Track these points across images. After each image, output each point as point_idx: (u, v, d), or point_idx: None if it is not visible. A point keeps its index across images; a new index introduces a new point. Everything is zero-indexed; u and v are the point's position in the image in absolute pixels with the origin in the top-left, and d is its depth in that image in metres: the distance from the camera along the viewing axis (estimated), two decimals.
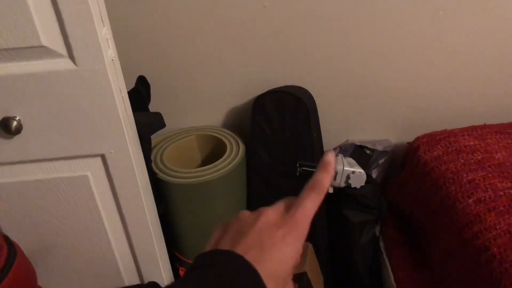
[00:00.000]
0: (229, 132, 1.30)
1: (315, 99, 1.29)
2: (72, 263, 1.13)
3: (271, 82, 1.27)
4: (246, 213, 0.44)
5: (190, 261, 1.31)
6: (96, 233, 1.09)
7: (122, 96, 0.94)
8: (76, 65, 0.85)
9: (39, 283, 1.02)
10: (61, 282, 1.18)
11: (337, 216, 1.20)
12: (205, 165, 1.18)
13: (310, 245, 1.19)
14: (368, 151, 1.35)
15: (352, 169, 1.14)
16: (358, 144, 1.36)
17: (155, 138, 1.29)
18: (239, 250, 0.37)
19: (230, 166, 1.18)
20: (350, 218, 1.18)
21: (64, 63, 0.85)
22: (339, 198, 1.19)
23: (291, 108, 1.19)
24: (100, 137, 0.94)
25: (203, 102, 1.32)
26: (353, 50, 1.25)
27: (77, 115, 0.90)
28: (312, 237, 1.21)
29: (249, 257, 0.37)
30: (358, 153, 1.34)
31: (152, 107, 1.25)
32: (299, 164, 1.18)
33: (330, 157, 0.44)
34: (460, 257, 0.95)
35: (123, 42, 1.21)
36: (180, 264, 1.35)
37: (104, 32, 0.86)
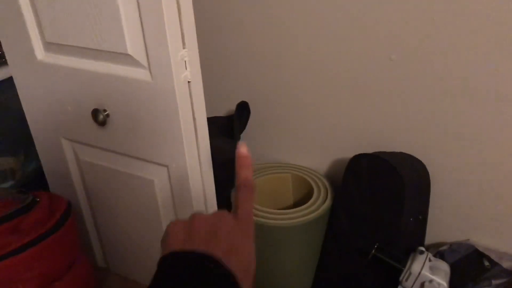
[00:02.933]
0: (322, 179, 1.19)
1: (432, 176, 1.07)
2: (130, 248, 1.21)
3: (384, 144, 1.10)
4: (202, 215, 0.44)
5: None
6: (155, 235, 1.14)
7: (195, 118, 0.95)
8: (152, 78, 0.90)
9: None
10: (117, 262, 1.27)
11: None
12: (295, 206, 1.11)
13: None
14: (487, 263, 1.05)
15: (431, 277, 0.91)
16: (480, 249, 1.08)
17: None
18: (217, 252, 0.39)
19: (308, 217, 1.08)
20: None
21: (143, 74, 0.91)
22: None
23: (384, 177, 1.01)
24: (165, 149, 0.97)
25: (306, 143, 1.24)
26: (496, 126, 0.99)
27: (150, 123, 0.96)
28: None
29: (227, 260, 0.39)
30: (473, 261, 1.06)
31: (252, 134, 1.23)
32: (376, 247, 1.00)
33: (242, 149, 0.46)
34: None
35: (234, 64, 1.23)
36: None
37: (182, 54, 0.88)
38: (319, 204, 1.12)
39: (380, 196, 1.03)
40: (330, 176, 1.23)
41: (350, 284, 1.10)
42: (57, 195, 1.09)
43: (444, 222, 1.12)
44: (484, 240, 1.11)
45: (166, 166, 1.00)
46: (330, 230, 1.13)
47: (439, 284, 0.90)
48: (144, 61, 0.90)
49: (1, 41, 1.07)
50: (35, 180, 1.35)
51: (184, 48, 0.88)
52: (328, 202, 1.12)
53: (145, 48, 0.88)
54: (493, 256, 1.06)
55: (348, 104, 1.13)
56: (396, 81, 1.04)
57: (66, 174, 1.18)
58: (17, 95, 1.18)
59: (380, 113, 1.10)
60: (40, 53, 1.03)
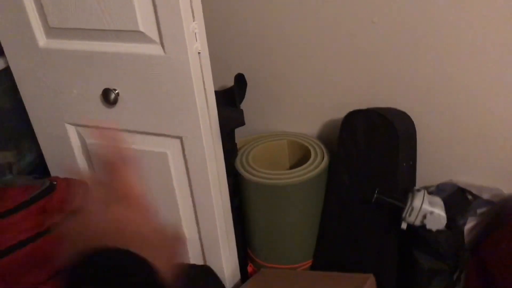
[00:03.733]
0: (318, 142, 1.29)
1: (416, 127, 1.19)
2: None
3: (371, 101, 1.21)
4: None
5: (258, 260, 1.34)
6: (169, 209, 1.18)
7: (205, 88, 1.01)
8: (164, 52, 0.95)
9: None
10: None
11: (408, 256, 1.10)
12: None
13: (372, 278, 1.11)
14: (470, 197, 1.19)
15: (430, 209, 1.03)
16: (462, 186, 1.22)
17: (247, 136, 1.34)
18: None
19: (309, 174, 1.17)
20: (420, 262, 1.06)
21: (155, 49, 0.96)
22: (412, 238, 1.08)
23: (380, 131, 1.12)
24: (179, 121, 1.03)
25: (298, 110, 1.33)
26: (473, 79, 1.12)
27: (163, 97, 1.01)
28: (378, 269, 1.13)
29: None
30: (458, 197, 1.20)
31: (248, 107, 1.30)
32: (377, 191, 1.11)
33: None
34: None
35: (227, 40, 1.29)
36: (250, 260, 1.39)
37: (193, 26, 0.94)
38: (318, 163, 1.22)
39: (377, 149, 1.14)
40: (325, 139, 1.33)
41: (354, 232, 1.21)
42: (71, 179, 1.11)
43: (429, 166, 1.25)
44: (464, 178, 1.24)
45: (180, 137, 1.06)
46: (330, 186, 1.23)
47: (439, 214, 1.02)
48: (155, 36, 0.95)
49: None
50: (30, 173, 1.35)
51: (194, 20, 0.94)
52: (326, 160, 1.22)
53: (157, 23, 0.92)
54: (474, 191, 1.20)
55: (335, 66, 1.23)
56: (379, 42, 1.15)
57: (72, 160, 1.20)
58: (7, 88, 1.19)
59: (365, 73, 1.21)
60: (42, 40, 1.05)
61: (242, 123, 1.16)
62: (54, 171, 1.26)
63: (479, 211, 1.16)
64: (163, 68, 0.97)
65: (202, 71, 0.99)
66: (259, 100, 1.35)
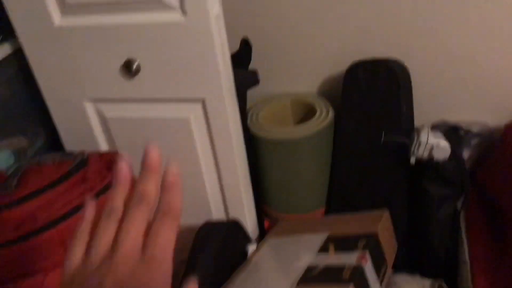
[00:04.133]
0: (321, 98, 1.38)
1: (410, 72, 1.30)
2: None
3: (368, 52, 1.31)
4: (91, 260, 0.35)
5: (274, 213, 1.43)
6: (193, 173, 1.25)
7: (223, 51, 1.07)
8: (185, 18, 1.00)
9: None
10: None
11: (417, 188, 1.22)
12: None
13: (386, 212, 1.22)
14: (462, 132, 1.32)
15: (436, 141, 1.15)
16: (453, 124, 1.34)
17: (252, 100, 1.41)
18: None
19: (317, 128, 1.26)
20: (430, 191, 1.18)
21: (175, 16, 1.01)
22: (421, 170, 1.20)
23: (382, 80, 1.22)
24: (201, 84, 1.08)
25: (300, 69, 1.41)
26: (460, 24, 1.23)
27: (184, 61, 1.06)
28: (390, 205, 1.24)
29: None
30: (451, 133, 1.32)
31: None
32: (384, 133, 1.22)
33: (173, 169, 0.39)
34: None
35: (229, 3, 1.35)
36: (266, 216, 1.47)
37: None
38: (324, 116, 1.31)
39: (379, 95, 1.24)
40: (327, 96, 1.42)
41: (364, 175, 1.31)
42: (98, 152, 1.15)
43: (422, 109, 1.37)
44: (455, 117, 1.38)
45: (202, 100, 1.11)
46: (338, 135, 1.32)
47: (444, 145, 1.14)
48: (175, 3, 0.99)
49: (9, 11, 1.08)
50: None
51: None
52: (331, 113, 1.31)
53: None
54: (464, 126, 1.33)
55: (332, 20, 1.31)
56: None
57: (91, 137, 1.24)
58: (14, 74, 1.20)
59: (360, 24, 1.30)
60: (57, 18, 1.07)
61: (257, 82, 1.23)
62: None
63: (473, 142, 1.29)
64: (184, 33, 1.02)
65: (220, 33, 1.05)
66: (260, 63, 1.41)
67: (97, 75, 1.12)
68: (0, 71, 1.18)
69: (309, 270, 1.04)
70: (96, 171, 1.04)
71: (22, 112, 1.29)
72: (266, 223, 1.48)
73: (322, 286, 0.98)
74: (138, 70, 1.08)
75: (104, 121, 1.21)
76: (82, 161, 1.04)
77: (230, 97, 1.12)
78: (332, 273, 1.00)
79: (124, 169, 0.39)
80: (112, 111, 1.18)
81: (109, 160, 1.07)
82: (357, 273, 0.97)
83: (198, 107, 1.13)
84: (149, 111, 1.16)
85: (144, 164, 0.39)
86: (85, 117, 1.20)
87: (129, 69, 1.07)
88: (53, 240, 0.90)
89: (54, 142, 1.33)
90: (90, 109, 1.19)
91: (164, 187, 0.39)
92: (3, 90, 1.21)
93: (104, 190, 0.96)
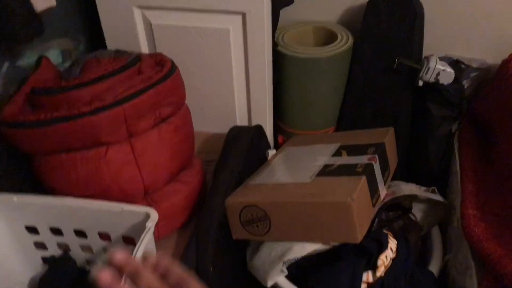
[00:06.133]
0: (341, 27, 1.52)
1: (424, 6, 1.45)
2: (199, 103, 1.45)
3: None
4: None
5: (288, 129, 1.60)
6: (224, 81, 1.39)
7: None
8: None
9: None
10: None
11: (421, 108, 1.40)
12: None
13: (392, 129, 1.40)
14: (463, 66, 1.49)
15: (443, 68, 1.32)
16: (455, 58, 1.51)
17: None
18: None
19: (337, 50, 1.41)
20: (432, 111, 1.36)
21: None
22: (425, 93, 1.37)
23: (401, 10, 1.37)
24: None
25: None
26: None
27: None
28: (395, 125, 1.41)
29: None
30: (454, 66, 1.49)
31: None
32: (397, 58, 1.38)
33: (118, 256, 0.41)
34: None
35: None
36: (279, 132, 1.64)
37: None
38: (345, 41, 1.45)
39: (396, 25, 1.39)
40: (347, 26, 1.56)
41: (374, 96, 1.48)
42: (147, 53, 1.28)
43: (429, 43, 1.53)
44: (457, 53, 1.54)
45: (242, 13, 1.24)
46: (355, 59, 1.48)
47: (450, 71, 1.31)
48: None
49: None
50: None
51: None
52: (351, 39, 1.46)
53: None
54: (465, 62, 1.50)
55: None
56: None
57: (135, 42, 1.36)
58: None
59: None
60: None
61: (291, 1, 1.36)
62: None
63: (472, 75, 1.46)
64: None
65: None
66: None
67: None
68: None
69: (326, 166, 1.22)
70: (149, 66, 1.17)
71: (68, 14, 1.40)
72: (280, 139, 1.65)
73: (339, 177, 1.15)
74: None
75: (149, 27, 1.33)
76: (136, 57, 1.17)
77: (268, 14, 1.26)
78: (347, 168, 1.18)
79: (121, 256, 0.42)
80: (158, 18, 1.31)
81: (159, 59, 1.21)
82: (368, 169, 1.15)
83: (238, 19, 1.26)
84: (192, 20, 1.28)
85: (126, 267, 0.42)
86: (132, 22, 1.32)
87: None
88: (118, 117, 1.04)
89: (96, 46, 1.45)
90: (137, 15, 1.31)
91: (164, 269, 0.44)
92: None
93: (161, 80, 1.10)
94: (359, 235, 1.04)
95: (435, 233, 1.29)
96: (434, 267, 1.20)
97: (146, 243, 0.95)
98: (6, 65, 1.16)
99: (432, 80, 1.32)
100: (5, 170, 1.14)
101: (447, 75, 1.31)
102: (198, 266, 1.07)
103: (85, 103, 1.03)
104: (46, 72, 1.19)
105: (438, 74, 1.31)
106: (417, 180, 1.42)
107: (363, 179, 1.09)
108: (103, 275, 0.39)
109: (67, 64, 1.41)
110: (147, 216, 1.02)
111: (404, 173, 1.45)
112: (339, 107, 1.55)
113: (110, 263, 0.41)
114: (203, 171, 1.30)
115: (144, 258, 0.47)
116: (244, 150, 1.29)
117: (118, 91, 1.06)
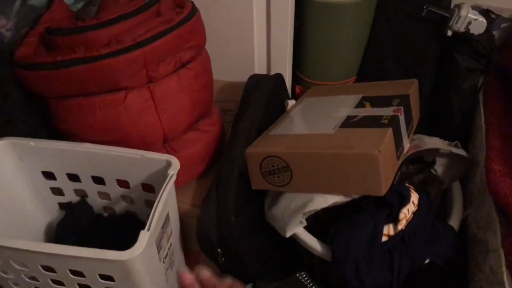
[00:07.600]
0: None
1: None
2: (217, 48, 1.39)
3: None
4: None
5: (307, 79, 1.55)
6: (244, 26, 1.33)
7: None
8: None
9: None
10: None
11: (448, 59, 1.34)
12: None
13: (416, 81, 1.35)
14: (493, 16, 1.42)
15: (475, 17, 1.26)
16: (485, 8, 1.44)
17: None
18: None
19: None
20: (459, 62, 1.31)
21: None
22: (455, 42, 1.32)
23: None
24: None
25: None
26: None
27: None
28: (418, 76, 1.36)
29: None
30: (484, 14, 1.42)
31: None
32: (426, 6, 1.31)
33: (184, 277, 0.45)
34: None
35: None
36: (297, 82, 1.59)
37: None
38: None
39: None
40: None
41: (398, 46, 1.42)
42: None
43: None
44: (487, 2, 1.47)
45: None
46: (379, 8, 1.41)
47: (481, 21, 1.25)
48: None
49: None
50: None
51: None
52: None
53: None
54: (495, 11, 1.43)
55: None
56: None
57: None
58: None
59: None
60: None
61: None
62: None
63: (501, 26, 1.40)
64: None
65: None
66: None
67: None
68: None
69: (349, 118, 1.18)
70: (168, 7, 1.11)
71: None
72: (297, 89, 1.60)
73: (363, 128, 1.12)
74: None
75: None
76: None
77: None
78: (371, 119, 1.14)
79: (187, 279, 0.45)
80: None
81: (178, 0, 1.14)
82: (394, 121, 1.12)
83: None
84: None
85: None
86: None
87: None
88: (138, 60, 0.99)
89: None
90: None
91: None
92: None
93: (182, 22, 1.04)
94: (384, 188, 1.02)
95: (456, 188, 1.27)
96: (454, 221, 1.19)
97: (168, 191, 0.93)
98: (18, 2, 1.10)
99: (462, 29, 1.26)
100: (21, 114, 1.11)
101: (478, 24, 1.24)
102: (219, 215, 1.05)
103: (103, 45, 0.98)
104: (59, 12, 1.14)
105: (469, 23, 1.25)
106: (438, 134, 1.39)
107: (390, 131, 1.05)
108: (186, 275, 0.43)
109: (79, 5, 1.35)
110: (168, 164, 1.00)
111: (425, 127, 1.41)
112: (361, 57, 1.49)
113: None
114: (221, 120, 1.27)
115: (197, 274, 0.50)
116: (264, 99, 1.25)
117: (138, 33, 1.01)
